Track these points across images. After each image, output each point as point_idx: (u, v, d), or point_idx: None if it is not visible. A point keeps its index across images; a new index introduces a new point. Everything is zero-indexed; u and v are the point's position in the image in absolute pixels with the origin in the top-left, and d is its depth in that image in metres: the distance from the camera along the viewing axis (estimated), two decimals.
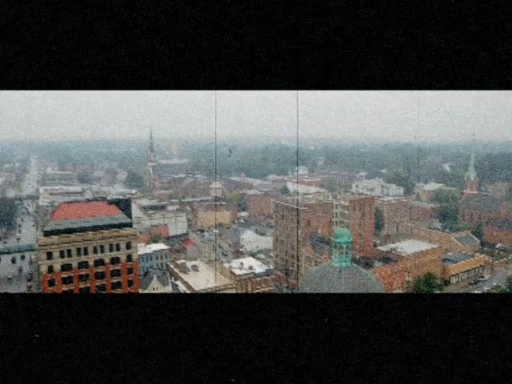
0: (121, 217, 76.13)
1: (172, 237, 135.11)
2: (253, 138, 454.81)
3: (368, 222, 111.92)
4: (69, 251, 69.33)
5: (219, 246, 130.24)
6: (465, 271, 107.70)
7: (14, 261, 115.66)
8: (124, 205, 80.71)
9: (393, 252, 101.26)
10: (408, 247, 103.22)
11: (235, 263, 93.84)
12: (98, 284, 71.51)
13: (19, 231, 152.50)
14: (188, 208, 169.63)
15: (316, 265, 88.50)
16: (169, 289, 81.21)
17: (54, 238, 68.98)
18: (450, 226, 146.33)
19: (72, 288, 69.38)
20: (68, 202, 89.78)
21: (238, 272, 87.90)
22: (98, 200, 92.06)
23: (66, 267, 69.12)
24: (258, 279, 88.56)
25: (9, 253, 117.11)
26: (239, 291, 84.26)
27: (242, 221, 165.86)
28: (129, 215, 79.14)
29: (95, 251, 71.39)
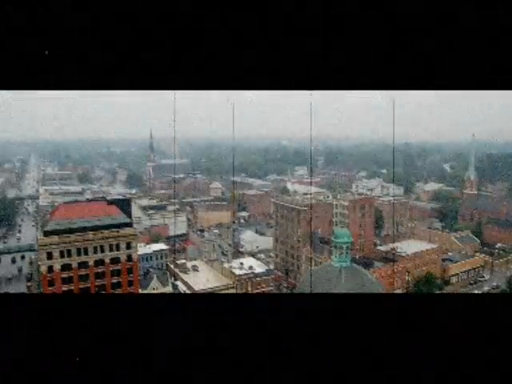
0: (121, 217, 76.05)
1: (172, 237, 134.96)
2: (253, 138, 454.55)
3: (368, 222, 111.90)
4: (69, 251, 69.22)
5: (219, 246, 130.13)
6: (465, 271, 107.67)
7: (14, 261, 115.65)
8: (124, 205, 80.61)
9: (393, 252, 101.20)
10: (408, 247, 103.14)
11: (235, 263, 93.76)
12: (97, 284, 71.44)
13: (19, 231, 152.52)
14: (188, 208, 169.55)
15: (316, 265, 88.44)
16: (169, 289, 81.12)
17: (54, 238, 68.89)
18: (450, 226, 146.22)
19: (72, 288, 69.29)
20: (68, 202, 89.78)
21: (238, 272, 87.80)
22: (97, 200, 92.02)
23: (65, 267, 69.01)
24: (258, 279, 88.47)
25: (9, 253, 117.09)
26: (239, 291, 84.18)
27: (242, 221, 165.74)
28: (129, 215, 79.06)
29: (95, 251, 71.28)
